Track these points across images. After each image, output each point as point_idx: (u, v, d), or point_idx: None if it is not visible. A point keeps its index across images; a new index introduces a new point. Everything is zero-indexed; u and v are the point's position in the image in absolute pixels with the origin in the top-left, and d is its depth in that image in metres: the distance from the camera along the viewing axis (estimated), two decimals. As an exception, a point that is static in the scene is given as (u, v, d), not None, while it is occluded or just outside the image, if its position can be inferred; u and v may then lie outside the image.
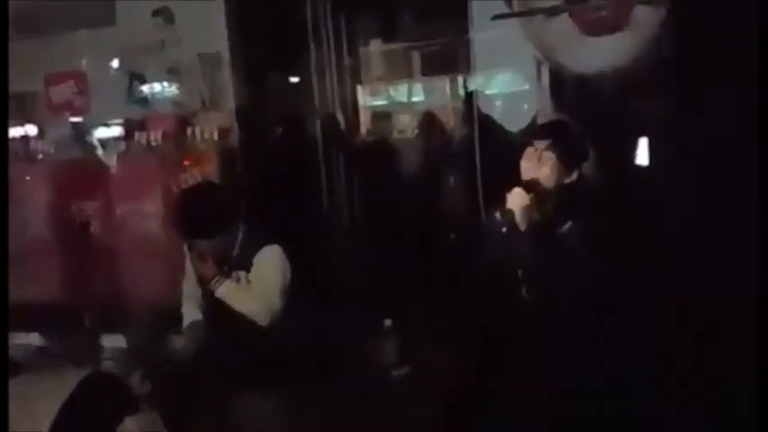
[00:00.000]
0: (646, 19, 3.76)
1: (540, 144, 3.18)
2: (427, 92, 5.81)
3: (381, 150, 5.47)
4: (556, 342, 2.99)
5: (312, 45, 5.08)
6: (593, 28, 3.90)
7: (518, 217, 3.10)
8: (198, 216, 3.74)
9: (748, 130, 3.08)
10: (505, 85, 4.68)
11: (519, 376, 3.03)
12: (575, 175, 3.18)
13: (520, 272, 3.13)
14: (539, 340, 3.02)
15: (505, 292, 3.15)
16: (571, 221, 3.08)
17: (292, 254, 3.91)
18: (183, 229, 3.81)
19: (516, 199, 3.12)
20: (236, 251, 3.85)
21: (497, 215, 3.19)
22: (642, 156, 3.86)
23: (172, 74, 5.26)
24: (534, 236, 3.10)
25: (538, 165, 3.17)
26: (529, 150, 3.20)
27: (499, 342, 3.13)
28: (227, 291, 3.73)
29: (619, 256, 3.04)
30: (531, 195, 3.11)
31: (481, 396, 3.13)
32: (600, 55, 3.91)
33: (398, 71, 5.51)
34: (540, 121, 4.17)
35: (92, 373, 2.10)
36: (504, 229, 3.12)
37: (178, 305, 4.06)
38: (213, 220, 3.73)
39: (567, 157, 3.17)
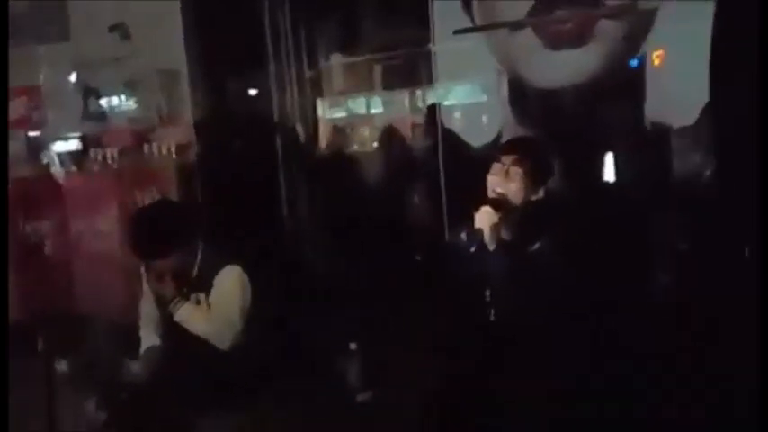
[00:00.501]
0: (610, 32, 3.73)
1: (507, 159, 3.13)
2: (387, 104, 5.75)
3: (342, 164, 5.41)
4: (524, 365, 2.93)
5: (272, 58, 5.00)
6: (557, 42, 3.87)
7: (486, 236, 3.05)
8: (153, 236, 3.59)
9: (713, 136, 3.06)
10: (467, 98, 4.62)
11: (489, 401, 2.97)
12: (541, 192, 3.14)
13: (488, 293, 3.08)
14: (507, 363, 2.96)
15: (473, 314, 3.10)
16: (540, 241, 3.03)
17: (253, 273, 3.82)
18: (139, 249, 3.68)
19: (484, 217, 3.06)
20: (195, 272, 3.74)
21: (463, 234, 3.13)
22: (608, 169, 3.83)
23: (128, 88, 5.17)
24: (504, 255, 3.04)
25: (505, 180, 3.11)
26: (496, 165, 3.15)
27: (467, 366, 3.07)
28: (186, 313, 3.61)
29: (590, 274, 3.00)
30: (500, 214, 3.06)
31: (448, 421, 3.06)
32: (563, 69, 3.89)
33: (359, 84, 5.45)
34: (505, 135, 4.13)
35: None
36: (472, 249, 3.06)
37: (135, 328, 3.95)
38: (169, 239, 3.59)
39: (535, 174, 3.12)
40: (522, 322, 2.98)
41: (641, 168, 3.56)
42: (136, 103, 5.25)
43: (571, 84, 3.85)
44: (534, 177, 3.11)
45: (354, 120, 5.69)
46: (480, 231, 3.05)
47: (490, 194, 3.13)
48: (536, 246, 3.04)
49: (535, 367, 2.95)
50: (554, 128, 3.87)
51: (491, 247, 3.05)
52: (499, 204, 3.07)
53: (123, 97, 5.28)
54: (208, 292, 3.69)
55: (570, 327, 2.95)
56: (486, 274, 3.10)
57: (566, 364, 2.94)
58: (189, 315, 3.62)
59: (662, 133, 3.63)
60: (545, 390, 2.91)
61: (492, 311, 3.08)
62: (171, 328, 3.80)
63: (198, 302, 3.69)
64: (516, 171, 3.09)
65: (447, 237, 3.91)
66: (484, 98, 4.46)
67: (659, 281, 3.22)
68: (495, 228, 3.04)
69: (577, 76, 3.83)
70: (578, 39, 3.81)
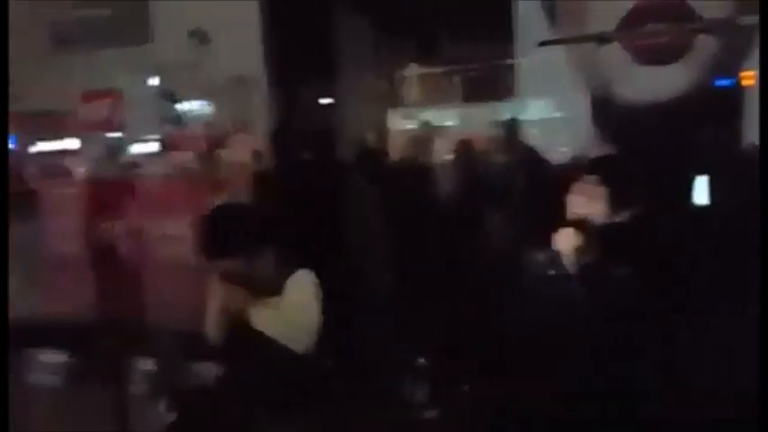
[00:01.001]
0: (706, 48, 3.61)
1: (591, 179, 3.04)
2: (464, 117, 5.70)
3: (415, 176, 5.36)
4: (607, 391, 2.84)
5: (347, 67, 4.98)
6: (648, 56, 3.75)
7: (566, 259, 2.97)
8: (224, 235, 3.62)
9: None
10: (548, 113, 4.54)
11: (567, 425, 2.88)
12: (627, 214, 3.04)
13: (569, 312, 2.99)
14: (588, 390, 2.87)
15: (553, 337, 3.01)
16: (624, 266, 2.93)
17: (323, 282, 3.81)
18: (209, 248, 3.70)
19: (565, 239, 2.99)
20: (265, 276, 3.75)
21: (541, 255, 3.07)
22: (699, 192, 3.71)
23: (205, 94, 5.19)
24: (584, 279, 2.96)
25: (588, 201, 3.03)
26: (578, 185, 3.06)
27: (543, 391, 2.99)
28: (260, 318, 3.60)
29: (676, 302, 2.90)
30: (582, 236, 2.97)
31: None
32: (653, 85, 3.77)
33: (437, 95, 5.40)
34: (587, 152, 4.03)
35: None
36: (551, 272, 2.98)
37: (203, 331, 3.95)
38: (238, 240, 3.60)
39: (620, 194, 3.03)
40: (603, 347, 2.89)
41: (735, 192, 3.43)
42: (212, 108, 5.26)
43: (660, 101, 3.73)
44: (619, 198, 3.02)
45: (429, 132, 5.65)
46: (560, 254, 2.99)
47: (570, 215, 3.05)
48: (619, 271, 2.96)
49: (614, 392, 2.86)
50: (640, 147, 3.76)
51: (571, 271, 2.98)
52: (581, 226, 2.99)
53: (200, 102, 5.30)
54: (278, 295, 3.70)
55: (654, 354, 2.86)
56: (565, 297, 3.03)
57: (648, 392, 2.84)
58: (262, 319, 3.60)
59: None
60: (626, 416, 2.82)
61: (571, 335, 2.99)
62: (238, 331, 3.81)
63: (267, 305, 3.71)
64: (600, 191, 3.01)
65: (523, 256, 3.84)
66: (566, 113, 4.38)
67: (753, 310, 3.09)
68: (576, 250, 2.96)
69: (667, 92, 3.71)
70: (671, 54, 3.69)
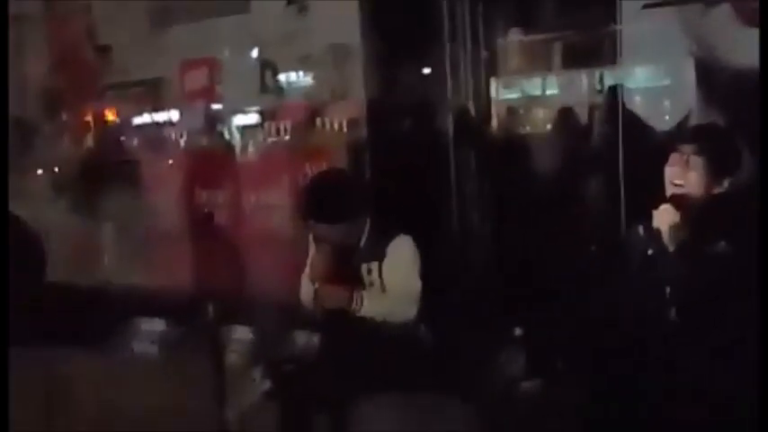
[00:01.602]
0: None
1: (688, 148, 2.92)
2: (565, 85, 5.55)
3: (516, 146, 5.26)
4: (703, 367, 2.74)
5: (447, 36, 4.89)
6: (757, 19, 3.55)
7: (665, 236, 2.88)
8: (325, 199, 3.71)
9: None
10: (653, 81, 4.37)
11: (658, 400, 2.79)
12: (726, 185, 2.92)
13: (668, 291, 2.89)
14: (685, 364, 2.77)
15: (651, 312, 2.92)
16: (725, 241, 2.81)
17: (420, 250, 3.79)
18: (311, 211, 3.75)
19: (664, 217, 2.92)
20: (363, 243, 3.77)
21: (641, 230, 2.98)
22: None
23: (304, 64, 5.18)
24: (684, 257, 2.88)
25: (684, 170, 2.93)
26: (675, 156, 2.96)
27: (639, 362, 2.90)
28: (370, 306, 3.61)
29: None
30: (680, 212, 2.87)
31: (612, 416, 2.90)
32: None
33: (537, 63, 5.26)
34: (691, 120, 3.88)
35: None
36: (650, 251, 2.88)
37: (298, 302, 3.98)
38: (339, 204, 3.67)
39: (717, 164, 2.92)
40: (704, 323, 2.78)
41: None
42: (310, 78, 5.25)
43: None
44: (717, 168, 2.91)
45: (529, 100, 5.53)
46: (659, 231, 2.92)
47: (669, 188, 2.96)
48: (719, 246, 2.84)
49: (712, 368, 2.76)
50: (747, 114, 3.58)
51: (670, 248, 2.91)
52: (680, 202, 2.91)
53: (299, 72, 5.30)
54: (380, 262, 3.70)
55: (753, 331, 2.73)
56: (665, 274, 2.93)
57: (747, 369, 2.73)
58: (371, 305, 3.61)
59: None
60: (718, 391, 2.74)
61: (673, 311, 2.90)
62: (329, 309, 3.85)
63: (369, 272, 3.72)
64: (696, 160, 2.91)
65: (624, 230, 3.74)
66: (669, 80, 4.21)
67: None
68: (674, 228, 2.89)
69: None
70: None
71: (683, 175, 2.94)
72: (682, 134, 3.18)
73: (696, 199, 2.93)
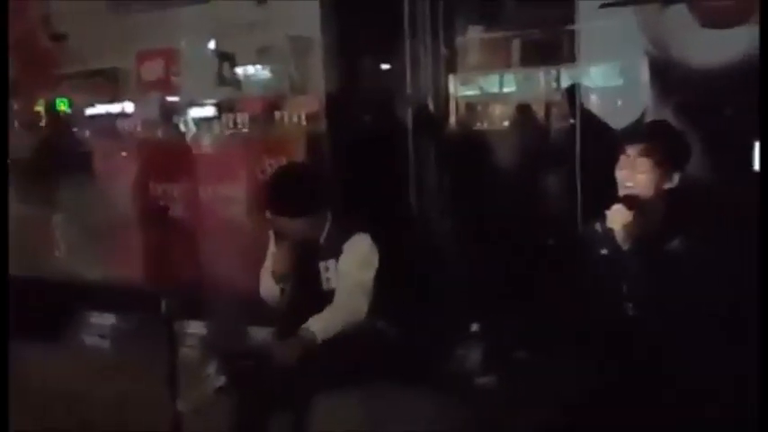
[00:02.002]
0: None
1: (633, 150, 2.96)
2: (522, 83, 5.57)
3: (474, 142, 5.27)
4: (662, 360, 2.77)
5: (407, 31, 4.88)
6: (715, 19, 3.60)
7: (619, 236, 2.92)
8: (286, 193, 3.72)
9: None
10: (609, 79, 4.41)
11: (618, 394, 2.81)
12: (676, 180, 2.95)
13: (625, 287, 2.93)
14: (643, 358, 2.80)
15: (608, 306, 2.95)
16: (677, 235, 2.84)
17: (379, 246, 3.79)
18: (270, 204, 3.77)
19: (617, 217, 2.96)
20: (323, 240, 3.77)
21: (598, 226, 3.01)
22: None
23: (262, 56, 5.14)
24: (638, 255, 2.92)
25: (632, 172, 2.97)
26: (623, 158, 3.00)
27: (596, 356, 2.92)
28: (320, 326, 3.59)
29: (731, 271, 2.79)
30: (633, 211, 2.90)
31: (570, 412, 2.92)
32: (719, 49, 3.61)
33: (496, 60, 5.28)
34: (647, 119, 3.91)
35: None
36: (603, 252, 2.97)
37: (257, 297, 3.96)
38: (300, 198, 3.68)
39: (666, 160, 2.95)
40: (662, 319, 2.82)
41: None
42: (269, 70, 5.21)
43: (726, 65, 3.58)
44: (665, 164, 2.95)
45: (488, 97, 5.54)
46: (612, 231, 2.96)
47: (621, 191, 2.99)
48: (673, 242, 2.87)
49: (670, 364, 2.78)
50: (702, 112, 3.64)
51: (624, 247, 2.95)
52: (631, 202, 2.94)
53: (258, 64, 5.25)
54: (336, 258, 3.70)
55: (708, 326, 2.77)
56: (621, 271, 2.96)
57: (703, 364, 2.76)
58: (323, 325, 3.59)
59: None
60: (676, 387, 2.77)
61: (630, 306, 2.93)
62: (290, 302, 3.83)
63: (326, 269, 3.72)
64: (643, 162, 2.94)
65: (580, 225, 3.77)
66: (627, 79, 4.25)
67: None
68: (628, 227, 2.93)
69: (734, 56, 3.56)
70: (737, 16, 3.53)
71: (632, 177, 2.98)
72: (630, 134, 3.18)
73: (647, 198, 2.96)
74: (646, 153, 2.95)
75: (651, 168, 2.94)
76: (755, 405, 2.47)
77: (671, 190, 2.97)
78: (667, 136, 3.08)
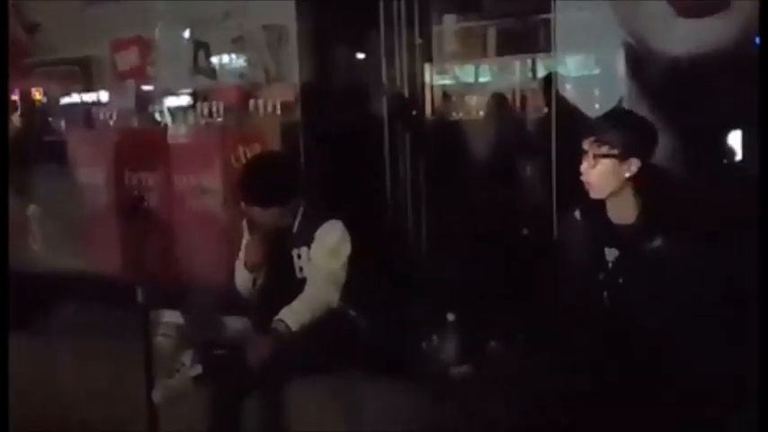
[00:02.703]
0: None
1: (585, 144, 2.98)
2: (496, 72, 5.59)
3: (449, 132, 5.29)
4: (635, 350, 2.78)
5: (382, 20, 4.87)
6: (692, 9, 3.60)
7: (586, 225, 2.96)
8: (258, 182, 3.73)
9: None
10: (585, 69, 4.42)
11: (591, 383, 2.82)
12: (634, 167, 2.93)
13: (601, 276, 2.94)
14: (618, 347, 2.81)
15: (583, 295, 2.96)
16: (661, 238, 2.85)
17: (352, 235, 3.79)
18: (242, 193, 3.79)
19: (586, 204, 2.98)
20: (295, 228, 3.78)
21: (576, 214, 3.03)
22: (736, 151, 3.60)
23: (237, 45, 5.11)
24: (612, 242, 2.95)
25: (588, 169, 2.98)
26: (584, 156, 2.99)
27: (572, 345, 2.94)
28: (291, 315, 3.59)
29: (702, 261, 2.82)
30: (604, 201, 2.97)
31: (546, 402, 2.93)
32: (694, 38, 3.62)
33: (472, 50, 5.29)
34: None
35: None
36: (580, 241, 3.00)
37: (231, 286, 3.96)
38: (272, 188, 3.70)
39: (620, 149, 2.92)
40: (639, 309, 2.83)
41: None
42: (244, 59, 5.19)
43: (702, 54, 3.59)
44: (619, 155, 2.91)
45: (463, 87, 5.55)
46: (586, 221, 3.03)
47: (591, 193, 3.00)
48: (647, 231, 2.91)
49: (646, 357, 2.80)
50: (677, 102, 3.64)
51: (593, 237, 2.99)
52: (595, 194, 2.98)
53: (232, 53, 5.23)
54: (309, 247, 3.70)
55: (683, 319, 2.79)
56: (597, 260, 2.97)
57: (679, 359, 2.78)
58: (295, 315, 3.59)
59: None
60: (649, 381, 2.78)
61: (605, 293, 2.94)
62: (264, 291, 3.82)
63: (299, 257, 3.74)
64: (595, 155, 2.95)
65: (556, 214, 3.78)
66: (603, 69, 4.26)
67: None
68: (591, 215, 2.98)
69: (710, 45, 3.56)
70: (715, 6, 3.53)
71: (588, 174, 2.98)
72: (585, 130, 3.15)
73: (606, 190, 2.97)
74: (594, 146, 2.94)
75: (600, 160, 2.93)
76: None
77: (635, 178, 2.95)
78: (615, 123, 3.04)
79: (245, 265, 3.84)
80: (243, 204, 3.77)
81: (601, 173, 2.94)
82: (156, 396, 3.52)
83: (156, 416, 3.58)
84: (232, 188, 4.55)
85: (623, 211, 2.97)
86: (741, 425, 2.65)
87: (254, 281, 3.84)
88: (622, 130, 2.97)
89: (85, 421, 4.44)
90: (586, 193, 3.01)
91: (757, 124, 2.83)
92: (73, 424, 4.46)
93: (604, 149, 2.92)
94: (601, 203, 3.00)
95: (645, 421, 2.72)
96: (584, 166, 2.98)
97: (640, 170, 2.92)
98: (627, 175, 2.93)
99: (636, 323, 2.85)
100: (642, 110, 3.61)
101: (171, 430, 3.65)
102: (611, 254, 2.97)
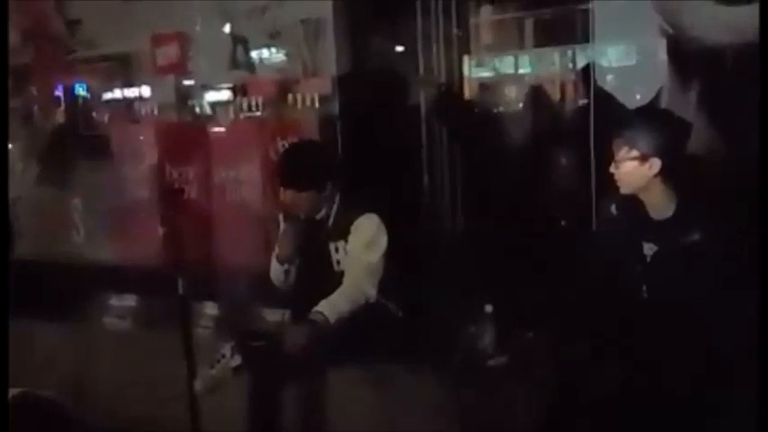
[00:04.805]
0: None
1: (615, 147, 3.00)
2: (535, 63, 5.54)
3: (488, 124, 5.25)
4: (671, 346, 2.76)
5: (419, 12, 4.87)
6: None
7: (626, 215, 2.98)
8: (294, 165, 3.83)
9: None
10: (625, 59, 4.37)
11: (628, 378, 2.81)
12: (656, 165, 2.93)
13: (639, 268, 2.93)
14: (654, 342, 2.79)
15: (622, 289, 2.95)
16: (698, 232, 2.84)
17: (389, 227, 3.80)
18: (279, 176, 3.87)
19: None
20: (331, 221, 3.80)
21: (613, 208, 3.02)
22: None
23: (274, 39, 5.14)
24: (652, 234, 2.95)
25: (618, 171, 3.02)
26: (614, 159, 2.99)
27: (610, 339, 2.92)
28: (330, 307, 3.60)
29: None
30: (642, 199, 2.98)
31: (584, 394, 2.92)
32: (734, 26, 3.57)
33: (509, 41, 5.25)
34: (664, 98, 3.89)
35: None
36: (618, 233, 3.01)
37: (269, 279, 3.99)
38: (307, 170, 3.77)
39: (643, 151, 2.94)
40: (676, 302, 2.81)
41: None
42: (282, 53, 5.22)
43: (740, 43, 3.54)
44: (642, 157, 2.94)
45: (501, 78, 5.51)
46: (624, 214, 3.05)
47: (623, 189, 3.02)
48: (684, 226, 2.90)
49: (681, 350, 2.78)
50: (717, 91, 3.60)
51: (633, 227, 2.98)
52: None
53: (271, 47, 5.26)
54: (345, 240, 3.72)
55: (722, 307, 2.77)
56: (636, 252, 2.95)
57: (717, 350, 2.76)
58: (333, 308, 3.61)
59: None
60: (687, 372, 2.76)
61: (644, 288, 2.92)
62: (298, 286, 3.85)
63: (336, 250, 3.76)
64: (616, 158, 2.98)
65: (594, 206, 3.76)
66: (641, 58, 4.21)
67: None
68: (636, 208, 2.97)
69: (748, 33, 3.51)
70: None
71: (615, 173, 3.02)
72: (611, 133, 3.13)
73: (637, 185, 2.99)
74: (615, 148, 2.99)
75: (633, 165, 2.95)
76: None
77: (662, 174, 2.95)
78: (636, 127, 3.05)
79: (278, 257, 3.87)
80: (280, 190, 3.80)
81: (625, 173, 2.98)
82: (197, 386, 3.57)
83: (196, 405, 3.63)
84: (271, 180, 4.58)
85: (660, 206, 2.97)
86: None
87: (287, 273, 3.87)
88: (642, 132, 2.98)
89: (126, 411, 4.51)
90: (619, 188, 3.02)
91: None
92: (115, 413, 4.53)
93: (624, 152, 2.95)
94: (637, 199, 3.00)
95: (680, 411, 2.70)
96: (613, 165, 3.01)
97: (669, 166, 2.91)
98: (651, 173, 2.93)
99: (674, 316, 2.83)
100: (682, 100, 3.58)
101: (211, 420, 3.69)
102: (649, 248, 2.96)
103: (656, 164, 2.93)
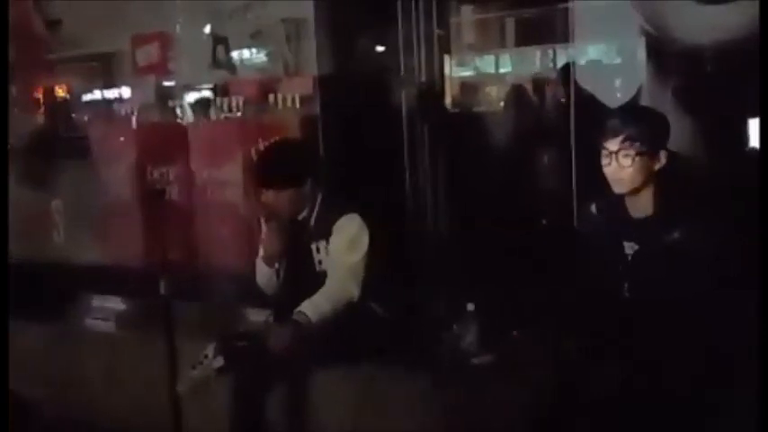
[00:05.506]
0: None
1: (612, 144, 2.93)
2: (516, 63, 5.57)
3: (468, 123, 5.27)
4: (654, 345, 2.78)
5: (400, 12, 4.88)
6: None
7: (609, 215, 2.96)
8: (272, 164, 3.80)
9: None
10: (604, 58, 4.41)
11: (611, 376, 2.83)
12: (663, 158, 2.93)
13: (620, 267, 2.94)
14: (637, 341, 2.81)
15: (604, 288, 2.96)
16: (678, 230, 2.85)
17: (370, 226, 3.79)
18: (258, 177, 3.84)
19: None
20: (313, 221, 3.79)
21: (593, 208, 3.02)
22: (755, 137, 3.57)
23: (255, 39, 5.14)
24: (635, 233, 2.94)
25: (618, 169, 2.93)
26: (604, 155, 2.96)
27: (592, 337, 2.94)
28: (312, 308, 3.60)
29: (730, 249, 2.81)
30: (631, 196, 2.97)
31: (566, 392, 2.93)
32: (715, 26, 3.59)
33: (490, 40, 5.28)
34: (642, 97, 3.91)
35: None
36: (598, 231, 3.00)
37: (253, 279, 3.98)
38: (286, 169, 3.74)
39: (650, 146, 2.92)
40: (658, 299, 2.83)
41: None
42: (263, 53, 5.21)
43: (724, 42, 3.55)
44: (650, 150, 2.91)
45: (482, 78, 5.53)
46: (605, 212, 3.04)
47: (614, 188, 2.97)
48: (671, 223, 2.90)
49: (663, 349, 2.79)
50: (698, 91, 3.63)
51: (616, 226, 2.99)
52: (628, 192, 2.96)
53: (251, 47, 5.25)
54: (327, 240, 3.72)
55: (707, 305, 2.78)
56: (616, 251, 2.97)
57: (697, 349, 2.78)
58: (316, 308, 3.60)
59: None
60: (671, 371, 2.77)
61: (626, 286, 2.94)
62: (284, 284, 3.85)
63: (318, 251, 3.75)
64: (627, 154, 2.90)
65: (575, 205, 3.78)
66: (621, 58, 4.25)
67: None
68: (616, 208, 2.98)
69: (726, 34, 3.53)
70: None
71: (619, 172, 2.94)
72: (606, 127, 3.11)
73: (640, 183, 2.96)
74: (626, 145, 2.91)
75: (635, 158, 2.90)
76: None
77: (662, 170, 2.95)
78: (641, 119, 3.03)
79: (263, 258, 3.86)
80: (260, 191, 3.79)
81: (635, 171, 2.92)
82: (180, 387, 3.56)
83: (179, 407, 3.62)
84: (252, 181, 4.58)
85: (642, 205, 2.97)
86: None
87: (277, 273, 3.86)
88: (647, 125, 2.96)
89: (110, 412, 4.50)
90: (602, 188, 3.00)
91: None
92: (98, 414, 4.52)
93: (636, 147, 2.90)
94: (618, 198, 2.99)
95: (664, 411, 2.72)
96: (612, 166, 2.94)
97: (667, 162, 2.92)
98: (657, 168, 2.93)
99: (656, 315, 2.84)
100: (662, 99, 3.60)
101: (194, 420, 3.69)
102: (630, 247, 2.96)
103: (663, 156, 2.93)
